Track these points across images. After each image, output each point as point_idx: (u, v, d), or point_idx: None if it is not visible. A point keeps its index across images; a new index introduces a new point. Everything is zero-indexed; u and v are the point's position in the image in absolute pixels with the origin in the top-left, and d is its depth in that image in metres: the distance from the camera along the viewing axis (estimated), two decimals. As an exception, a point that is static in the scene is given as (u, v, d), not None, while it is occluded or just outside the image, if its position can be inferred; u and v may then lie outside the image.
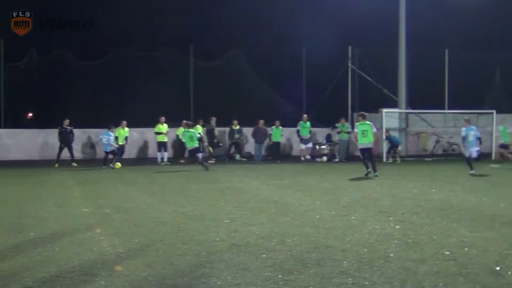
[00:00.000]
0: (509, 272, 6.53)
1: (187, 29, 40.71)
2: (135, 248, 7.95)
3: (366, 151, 19.12)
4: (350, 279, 6.31)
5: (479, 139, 19.52)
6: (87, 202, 12.91)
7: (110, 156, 23.93)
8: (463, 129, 19.90)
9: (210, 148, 26.98)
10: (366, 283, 6.19)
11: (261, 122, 27.60)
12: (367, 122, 19.31)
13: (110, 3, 40.13)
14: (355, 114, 32.82)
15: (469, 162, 19.31)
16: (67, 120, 24.84)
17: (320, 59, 34.83)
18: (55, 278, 6.51)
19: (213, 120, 27.46)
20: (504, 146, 25.01)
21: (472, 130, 19.49)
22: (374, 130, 19.35)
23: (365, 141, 18.94)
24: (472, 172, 18.88)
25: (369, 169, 18.69)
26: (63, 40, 31.49)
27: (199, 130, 25.04)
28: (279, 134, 28.03)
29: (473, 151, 19.31)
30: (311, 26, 38.84)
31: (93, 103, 30.58)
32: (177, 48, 32.55)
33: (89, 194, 14.47)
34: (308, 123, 28.40)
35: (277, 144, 28.25)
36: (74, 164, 24.14)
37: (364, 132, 18.97)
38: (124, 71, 31.45)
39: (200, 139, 22.63)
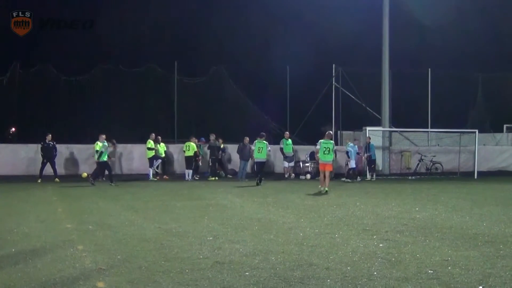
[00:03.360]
0: (492, 291, 6.56)
1: (171, 45, 40.84)
2: (118, 265, 7.89)
3: (260, 164, 23.71)
4: (334, 298, 6.31)
5: (358, 154, 26.19)
6: (70, 218, 12.81)
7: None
8: (351, 145, 26.10)
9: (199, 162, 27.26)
10: (350, 301, 6.19)
11: (247, 139, 27.54)
12: (264, 141, 23.89)
13: (95, 19, 40.21)
14: (339, 132, 32.96)
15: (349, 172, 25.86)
16: (50, 135, 24.60)
17: (304, 76, 35.03)
18: (37, 295, 6.45)
19: (213, 137, 27.52)
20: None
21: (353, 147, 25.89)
22: (269, 148, 24.36)
23: (260, 156, 23.70)
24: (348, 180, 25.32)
25: (260, 182, 22.68)
26: (46, 55, 31.39)
27: (193, 147, 26.22)
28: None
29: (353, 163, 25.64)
30: (295, 44, 39.13)
31: (77, 119, 30.47)
32: (161, 64, 32.59)
33: (72, 210, 14.35)
34: (290, 140, 28.37)
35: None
36: (57, 179, 23.95)
37: (259, 149, 23.66)
38: (108, 87, 31.37)
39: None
